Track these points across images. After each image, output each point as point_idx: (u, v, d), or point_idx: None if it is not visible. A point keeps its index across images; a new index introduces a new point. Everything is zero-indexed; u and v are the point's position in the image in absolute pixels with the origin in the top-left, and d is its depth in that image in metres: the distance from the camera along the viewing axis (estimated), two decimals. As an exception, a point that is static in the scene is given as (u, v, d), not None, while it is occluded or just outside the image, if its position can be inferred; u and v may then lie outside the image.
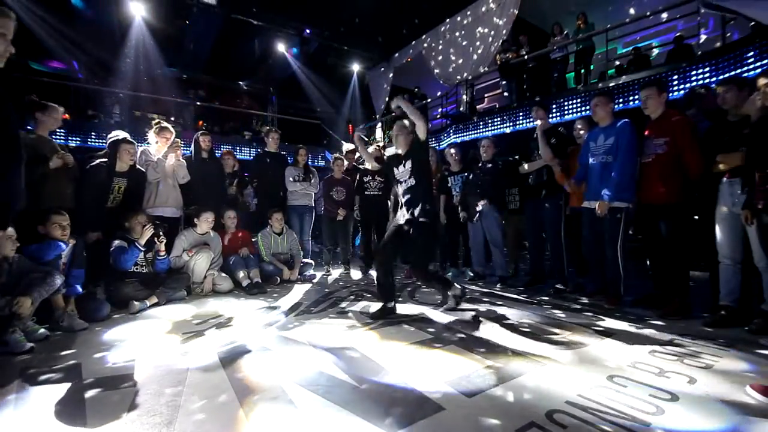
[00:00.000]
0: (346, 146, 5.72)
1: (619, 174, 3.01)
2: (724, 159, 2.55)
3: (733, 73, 4.67)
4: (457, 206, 4.45)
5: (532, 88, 7.62)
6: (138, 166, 3.76)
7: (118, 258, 3.20)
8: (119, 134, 3.70)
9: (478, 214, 4.16)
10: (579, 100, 6.37)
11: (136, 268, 3.32)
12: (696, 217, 3.03)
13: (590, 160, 3.28)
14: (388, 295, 2.99)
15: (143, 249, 3.30)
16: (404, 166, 3.13)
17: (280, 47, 10.68)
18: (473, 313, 2.97)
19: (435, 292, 3.72)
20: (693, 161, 2.75)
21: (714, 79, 4.86)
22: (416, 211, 2.97)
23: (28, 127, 3.20)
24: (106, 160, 3.52)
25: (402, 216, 3.07)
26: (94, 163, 3.48)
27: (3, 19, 1.77)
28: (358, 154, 5.23)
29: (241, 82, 12.29)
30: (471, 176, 4.35)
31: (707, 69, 4.99)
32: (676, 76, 5.30)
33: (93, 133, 7.92)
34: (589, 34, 6.97)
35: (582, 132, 3.64)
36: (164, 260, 3.49)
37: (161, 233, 3.41)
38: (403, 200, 3.14)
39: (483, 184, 4.16)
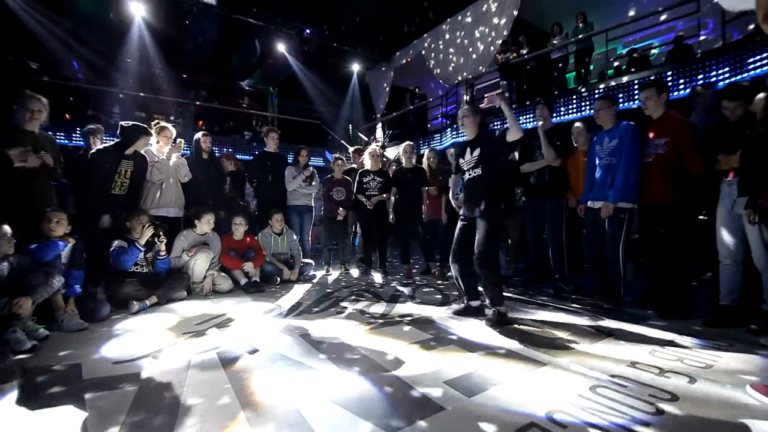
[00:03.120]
0: (353, 147, 5.76)
1: (623, 175, 3.01)
2: (727, 160, 2.54)
3: (731, 73, 4.67)
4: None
5: (532, 88, 7.62)
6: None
7: (118, 258, 3.19)
8: (136, 123, 3.79)
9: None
10: (579, 100, 6.37)
11: (136, 268, 3.32)
12: (701, 216, 3.02)
13: (596, 162, 3.28)
14: (472, 294, 2.96)
15: (143, 249, 3.30)
16: (471, 154, 2.92)
17: (280, 47, 10.68)
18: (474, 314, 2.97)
19: (435, 292, 3.72)
20: (694, 161, 2.76)
21: (715, 79, 4.86)
22: (482, 206, 2.78)
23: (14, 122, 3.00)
24: (118, 142, 3.65)
25: (464, 211, 2.94)
26: (101, 146, 3.69)
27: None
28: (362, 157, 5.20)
29: (241, 82, 12.29)
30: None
31: (706, 69, 4.99)
32: (670, 76, 5.29)
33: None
34: (589, 34, 6.96)
35: (580, 139, 3.62)
36: (164, 260, 3.49)
37: (161, 233, 3.41)
38: (466, 191, 2.96)
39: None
